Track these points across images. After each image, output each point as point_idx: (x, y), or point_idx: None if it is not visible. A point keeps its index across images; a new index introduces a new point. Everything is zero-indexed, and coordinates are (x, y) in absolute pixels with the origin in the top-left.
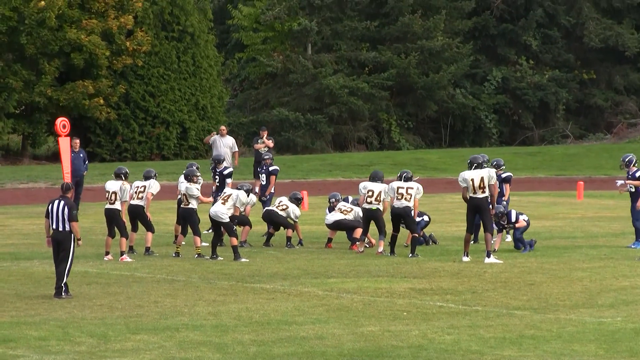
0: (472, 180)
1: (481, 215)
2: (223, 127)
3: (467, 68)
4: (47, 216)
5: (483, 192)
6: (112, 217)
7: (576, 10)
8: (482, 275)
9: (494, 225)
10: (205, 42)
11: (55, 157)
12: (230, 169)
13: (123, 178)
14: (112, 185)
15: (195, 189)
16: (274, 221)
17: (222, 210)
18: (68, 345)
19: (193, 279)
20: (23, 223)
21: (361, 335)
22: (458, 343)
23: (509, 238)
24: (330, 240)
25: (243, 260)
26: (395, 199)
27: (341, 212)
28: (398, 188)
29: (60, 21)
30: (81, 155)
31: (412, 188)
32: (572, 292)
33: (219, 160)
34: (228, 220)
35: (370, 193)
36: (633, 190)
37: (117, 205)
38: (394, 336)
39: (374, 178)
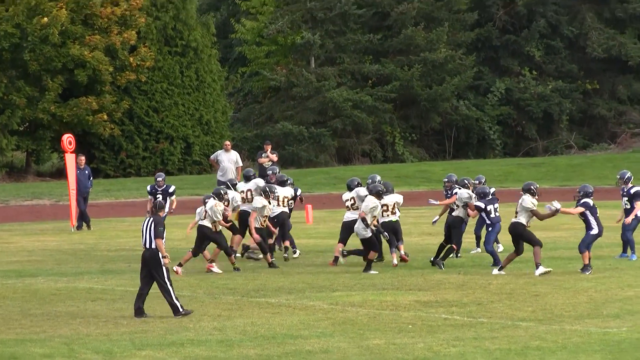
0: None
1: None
2: (227, 142)
3: (471, 80)
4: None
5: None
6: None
7: (579, 21)
8: (487, 287)
9: None
10: (209, 57)
11: (59, 173)
12: (235, 183)
13: (217, 198)
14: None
15: (219, 212)
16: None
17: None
18: None
19: (198, 294)
20: (28, 240)
21: (366, 349)
22: (463, 355)
23: (501, 248)
24: (336, 259)
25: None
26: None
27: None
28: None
29: (64, 37)
30: (86, 171)
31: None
32: (577, 302)
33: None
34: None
35: (385, 207)
36: (628, 207)
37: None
38: (400, 349)
39: (385, 190)
